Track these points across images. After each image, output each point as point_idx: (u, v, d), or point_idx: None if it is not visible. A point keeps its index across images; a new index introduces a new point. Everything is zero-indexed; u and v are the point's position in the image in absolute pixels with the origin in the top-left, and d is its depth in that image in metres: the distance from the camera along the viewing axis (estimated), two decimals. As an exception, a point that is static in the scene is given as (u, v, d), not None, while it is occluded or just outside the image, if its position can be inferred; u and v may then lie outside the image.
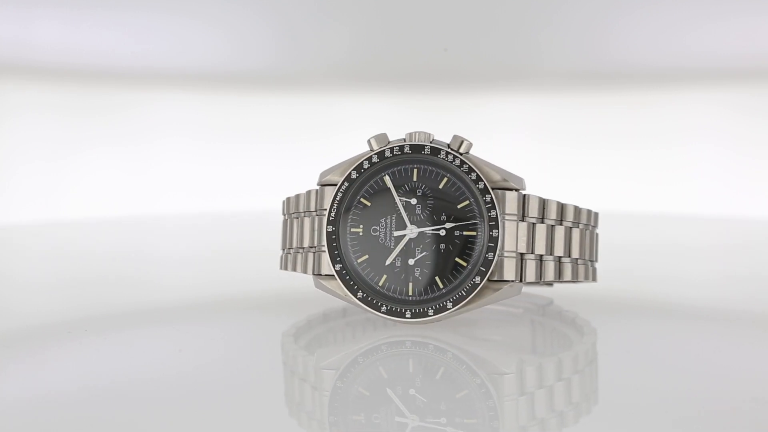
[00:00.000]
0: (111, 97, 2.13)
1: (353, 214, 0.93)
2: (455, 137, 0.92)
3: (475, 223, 0.89)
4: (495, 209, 0.88)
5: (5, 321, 1.04)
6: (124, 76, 2.14)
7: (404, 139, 0.93)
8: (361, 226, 0.92)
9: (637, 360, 0.87)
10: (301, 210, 0.98)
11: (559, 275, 0.93)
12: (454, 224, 0.90)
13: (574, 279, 0.95)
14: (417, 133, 0.92)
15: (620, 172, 2.13)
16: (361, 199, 0.93)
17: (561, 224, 0.93)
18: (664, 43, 2.11)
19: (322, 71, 2.21)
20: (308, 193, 0.97)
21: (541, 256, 0.92)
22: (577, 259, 0.95)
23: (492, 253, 0.88)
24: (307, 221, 0.96)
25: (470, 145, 0.91)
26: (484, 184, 0.89)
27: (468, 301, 0.88)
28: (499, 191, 0.90)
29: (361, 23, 2.14)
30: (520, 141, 2.17)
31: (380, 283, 0.91)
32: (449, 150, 0.91)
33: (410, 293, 0.90)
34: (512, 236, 0.90)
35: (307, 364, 0.87)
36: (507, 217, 0.90)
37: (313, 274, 0.95)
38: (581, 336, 0.96)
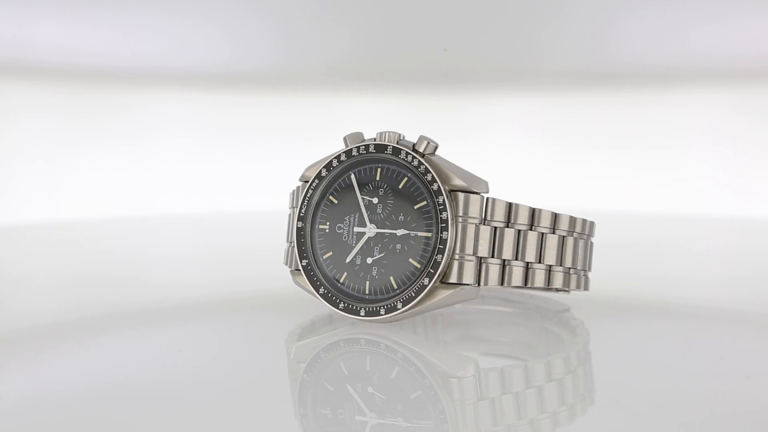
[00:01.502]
0: (111, 97, 2.13)
1: (322, 211, 0.94)
2: (420, 138, 0.91)
3: (430, 225, 0.89)
4: (446, 211, 0.88)
5: (5, 320, 1.04)
6: (124, 76, 2.14)
7: (374, 138, 0.93)
8: (328, 223, 0.94)
9: (636, 360, 0.87)
10: (294, 205, 0.99)
11: (526, 281, 0.92)
12: (406, 231, 0.90)
13: (547, 286, 0.94)
14: (386, 133, 0.93)
15: (620, 172, 2.13)
16: (330, 197, 0.94)
17: (533, 229, 0.92)
18: (664, 43, 2.11)
19: (322, 71, 2.21)
20: (297, 188, 0.99)
21: (508, 261, 0.91)
22: (551, 265, 0.94)
23: (440, 255, 0.88)
24: (295, 216, 0.98)
25: (434, 146, 0.91)
26: (438, 185, 0.89)
27: (417, 302, 0.88)
28: (461, 194, 0.89)
29: (361, 23, 2.14)
30: (521, 141, 2.17)
31: (341, 280, 0.92)
32: (409, 150, 0.91)
33: (367, 291, 0.91)
34: (471, 240, 0.89)
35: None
36: (469, 220, 0.89)
37: (290, 268, 0.97)
38: (565, 345, 0.94)
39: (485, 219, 0.90)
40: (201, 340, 0.96)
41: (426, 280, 0.88)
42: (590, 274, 1.00)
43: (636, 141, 2.15)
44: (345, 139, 0.94)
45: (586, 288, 0.99)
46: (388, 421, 0.70)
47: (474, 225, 0.89)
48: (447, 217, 0.88)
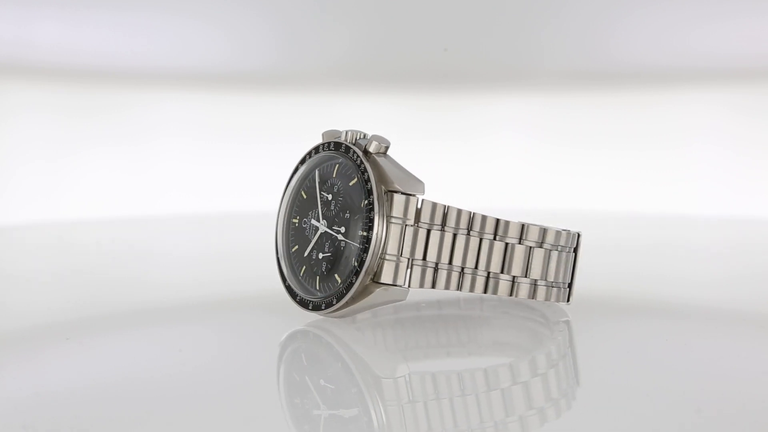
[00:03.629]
0: (111, 97, 2.13)
1: (296, 205, 0.97)
2: (370, 138, 0.92)
3: (366, 224, 0.90)
4: (374, 211, 0.89)
5: (5, 320, 1.04)
6: (124, 76, 2.14)
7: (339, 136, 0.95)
8: (298, 217, 0.97)
9: (636, 360, 0.87)
10: None
11: (456, 285, 0.92)
12: (342, 233, 0.92)
13: (486, 292, 0.93)
14: (348, 131, 0.94)
15: (620, 172, 2.13)
16: (301, 191, 0.97)
17: (470, 234, 0.92)
18: (664, 43, 2.11)
19: (322, 71, 2.21)
20: None
21: (442, 264, 0.91)
22: (490, 272, 0.93)
23: (366, 254, 0.88)
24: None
25: (381, 146, 0.91)
26: (372, 185, 0.89)
27: (348, 300, 0.90)
28: (396, 195, 0.89)
29: (361, 23, 2.14)
30: (521, 141, 2.17)
31: (301, 274, 0.95)
32: (357, 150, 0.92)
33: (317, 286, 0.93)
34: (399, 241, 0.89)
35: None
36: (400, 221, 0.89)
37: None
38: (514, 356, 0.93)
39: (418, 221, 0.90)
40: (201, 340, 0.96)
41: (354, 278, 0.89)
42: (564, 287, 0.97)
43: (636, 141, 2.15)
44: (322, 134, 0.96)
45: (549, 298, 0.97)
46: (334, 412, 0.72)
47: (404, 226, 0.90)
48: (374, 217, 0.88)
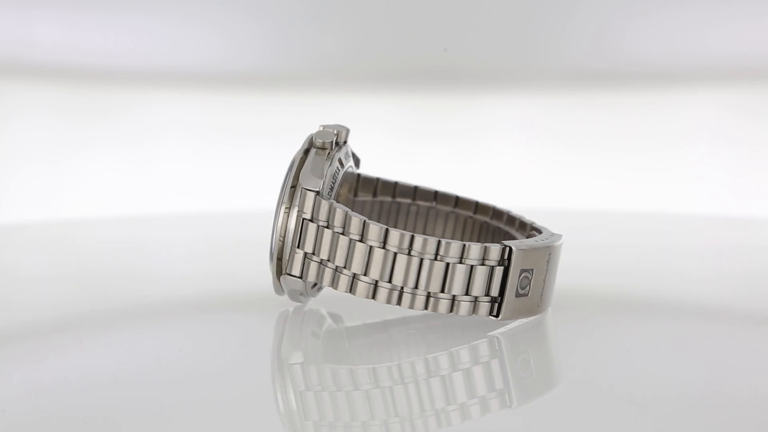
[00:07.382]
0: (111, 98, 2.13)
1: None
2: (316, 133, 0.95)
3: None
4: (283, 204, 0.92)
5: (6, 319, 1.04)
6: (124, 76, 2.14)
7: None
8: None
9: (636, 360, 0.87)
10: None
11: (330, 283, 0.93)
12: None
13: (349, 292, 0.92)
14: (325, 126, 0.96)
15: (620, 172, 2.13)
16: None
17: (344, 234, 0.91)
18: (664, 43, 2.12)
19: (324, 71, 2.21)
20: None
21: (324, 261, 0.92)
22: (356, 274, 0.91)
23: (273, 245, 0.93)
24: None
25: (322, 142, 0.94)
26: (289, 179, 0.93)
27: (274, 287, 0.94)
28: (309, 192, 0.92)
29: (361, 23, 2.14)
30: (520, 141, 2.17)
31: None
32: (306, 145, 0.95)
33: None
34: (300, 234, 0.92)
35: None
36: (303, 216, 0.91)
37: None
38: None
39: (317, 218, 0.92)
40: (200, 338, 0.96)
41: (271, 267, 0.93)
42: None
43: (636, 141, 2.16)
44: None
45: (476, 312, 0.93)
46: None
47: (306, 221, 0.92)
48: (280, 208, 0.92)
